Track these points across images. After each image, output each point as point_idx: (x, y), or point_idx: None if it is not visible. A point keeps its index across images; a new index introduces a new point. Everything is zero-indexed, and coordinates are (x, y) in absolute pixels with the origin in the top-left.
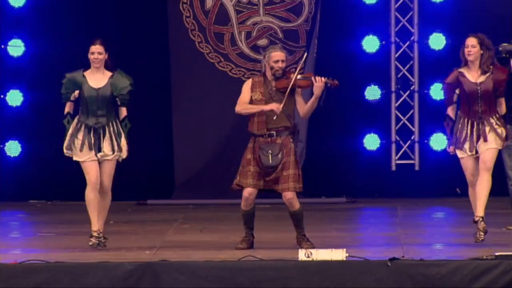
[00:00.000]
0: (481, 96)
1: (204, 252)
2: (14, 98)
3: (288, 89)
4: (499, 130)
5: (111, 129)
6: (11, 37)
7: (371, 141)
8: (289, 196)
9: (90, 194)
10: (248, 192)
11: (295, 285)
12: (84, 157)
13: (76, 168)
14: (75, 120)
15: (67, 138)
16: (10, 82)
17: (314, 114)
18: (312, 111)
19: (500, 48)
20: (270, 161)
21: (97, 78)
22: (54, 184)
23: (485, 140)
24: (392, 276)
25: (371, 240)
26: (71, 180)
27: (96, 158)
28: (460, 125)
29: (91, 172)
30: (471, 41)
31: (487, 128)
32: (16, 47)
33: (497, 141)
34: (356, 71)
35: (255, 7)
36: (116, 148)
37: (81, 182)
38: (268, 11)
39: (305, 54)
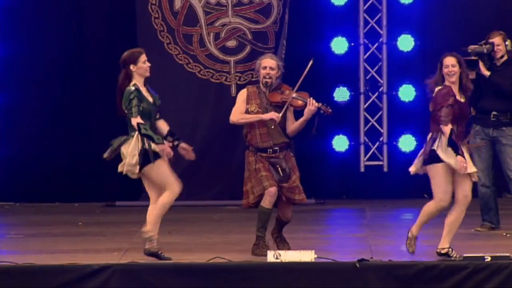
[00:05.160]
0: (463, 117)
1: (172, 253)
2: None
3: (286, 107)
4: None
5: None
6: None
7: (340, 143)
8: (291, 208)
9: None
10: (274, 190)
11: (264, 286)
12: None
13: (46, 170)
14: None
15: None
16: None
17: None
18: (299, 131)
19: (469, 50)
20: (281, 174)
21: (145, 91)
22: (22, 185)
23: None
24: (361, 277)
25: (340, 241)
26: (40, 182)
27: None
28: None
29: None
30: (451, 61)
31: (467, 154)
32: None
33: (472, 172)
34: (324, 72)
35: (224, 8)
36: None
37: (50, 183)
38: (237, 12)
39: (309, 66)
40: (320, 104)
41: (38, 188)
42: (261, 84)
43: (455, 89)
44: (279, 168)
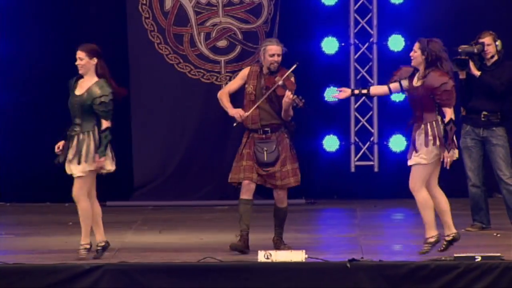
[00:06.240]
0: (415, 100)
1: (163, 253)
2: None
3: (268, 92)
4: (430, 142)
5: (84, 139)
6: None
7: (331, 143)
8: (282, 192)
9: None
10: (247, 181)
11: (254, 286)
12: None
13: (36, 170)
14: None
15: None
16: None
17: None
18: (288, 117)
19: (460, 50)
20: (266, 158)
21: (82, 86)
22: (13, 186)
23: (416, 150)
24: (351, 277)
25: (331, 241)
26: (31, 182)
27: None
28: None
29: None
30: (414, 46)
31: (419, 138)
32: None
33: (421, 155)
34: (315, 72)
35: (214, 8)
36: (82, 160)
37: (40, 184)
38: (228, 12)
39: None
40: (295, 96)
41: (28, 188)
42: (265, 67)
43: (418, 74)
44: (265, 152)
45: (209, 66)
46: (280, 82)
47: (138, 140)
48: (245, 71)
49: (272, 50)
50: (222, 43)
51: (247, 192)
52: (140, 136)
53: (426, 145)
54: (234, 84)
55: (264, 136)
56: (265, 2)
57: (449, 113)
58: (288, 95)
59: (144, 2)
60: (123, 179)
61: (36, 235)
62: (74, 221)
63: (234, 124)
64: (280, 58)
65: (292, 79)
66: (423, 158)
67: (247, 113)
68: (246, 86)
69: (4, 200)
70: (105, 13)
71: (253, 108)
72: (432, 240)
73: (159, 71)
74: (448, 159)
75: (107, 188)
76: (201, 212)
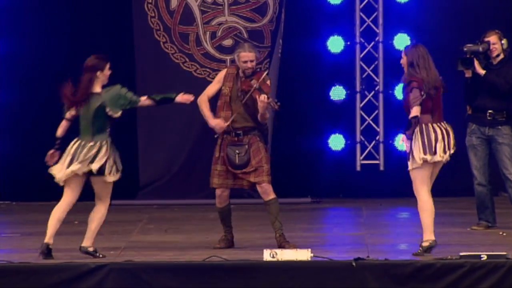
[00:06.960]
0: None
1: (168, 252)
2: None
3: (246, 96)
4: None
5: None
6: None
7: (336, 141)
8: (264, 184)
9: None
10: (220, 190)
11: (260, 285)
12: None
13: (42, 169)
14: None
15: None
16: None
17: (279, 114)
18: (264, 120)
19: (465, 49)
20: (237, 161)
21: None
22: (19, 184)
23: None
24: (357, 276)
25: (336, 240)
26: (37, 181)
27: None
28: None
29: None
30: (402, 53)
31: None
32: None
33: (411, 161)
34: (321, 71)
35: (220, 7)
36: None
37: (46, 182)
38: (233, 11)
39: (272, 60)
40: (270, 99)
41: (34, 187)
42: (241, 71)
43: None
44: (237, 155)
45: (214, 65)
46: (256, 85)
47: (144, 139)
48: (221, 74)
49: (244, 57)
50: (227, 42)
51: (221, 202)
52: (145, 135)
53: (411, 150)
54: (212, 89)
55: (236, 139)
56: (271, 1)
57: (413, 111)
58: (263, 99)
59: (150, 1)
60: (128, 178)
61: (41, 234)
62: (80, 220)
63: (215, 136)
64: (253, 64)
65: (268, 82)
66: (411, 164)
67: (227, 123)
68: (222, 88)
69: (9, 199)
70: (110, 12)
71: (232, 117)
72: (425, 244)
73: (165, 70)
74: (404, 143)
75: (113, 187)
76: (206, 211)
